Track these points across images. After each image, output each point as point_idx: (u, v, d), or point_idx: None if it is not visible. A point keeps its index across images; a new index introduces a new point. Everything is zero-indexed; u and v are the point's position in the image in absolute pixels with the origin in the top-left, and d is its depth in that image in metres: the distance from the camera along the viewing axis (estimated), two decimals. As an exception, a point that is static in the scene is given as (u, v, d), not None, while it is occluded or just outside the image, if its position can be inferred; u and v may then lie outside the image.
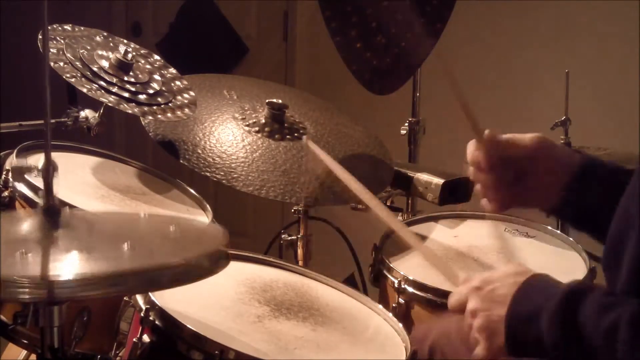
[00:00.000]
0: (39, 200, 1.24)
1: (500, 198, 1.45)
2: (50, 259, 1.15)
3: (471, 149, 1.44)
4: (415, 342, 1.53)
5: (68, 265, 1.13)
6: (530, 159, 1.42)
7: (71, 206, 1.70)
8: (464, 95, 1.41)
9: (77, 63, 1.88)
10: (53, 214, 1.24)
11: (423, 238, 2.14)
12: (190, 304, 1.50)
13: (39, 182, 1.27)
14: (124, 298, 1.69)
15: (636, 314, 1.08)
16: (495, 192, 1.44)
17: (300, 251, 2.23)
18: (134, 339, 1.44)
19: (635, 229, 1.15)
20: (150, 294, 1.45)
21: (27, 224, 1.26)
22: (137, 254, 1.18)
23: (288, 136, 2.06)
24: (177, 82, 2.07)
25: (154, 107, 1.93)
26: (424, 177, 2.22)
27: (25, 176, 1.40)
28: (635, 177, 1.22)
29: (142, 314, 1.44)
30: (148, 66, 2.05)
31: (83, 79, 1.86)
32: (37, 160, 1.88)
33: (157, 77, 2.02)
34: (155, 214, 1.57)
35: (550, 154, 1.42)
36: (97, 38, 2.03)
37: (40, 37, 1.78)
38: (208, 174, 1.90)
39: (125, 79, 1.94)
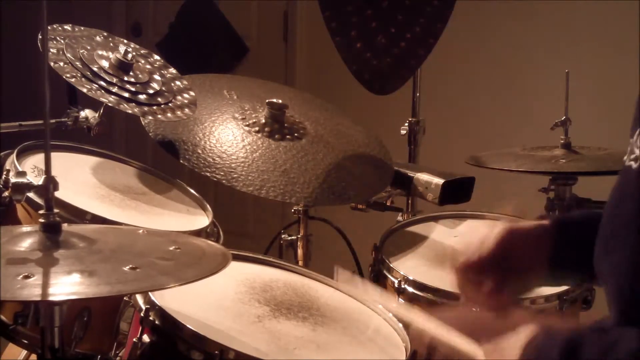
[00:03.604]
0: (39, 200, 1.23)
1: (496, 301, 1.43)
2: (51, 282, 1.15)
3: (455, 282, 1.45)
4: (413, 340, 1.53)
5: (69, 289, 1.14)
6: (503, 256, 1.40)
7: (72, 206, 1.72)
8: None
9: (77, 63, 1.87)
10: (53, 231, 1.24)
11: (423, 238, 2.14)
12: (190, 304, 1.49)
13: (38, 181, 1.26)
14: (124, 298, 1.70)
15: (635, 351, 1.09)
16: (489, 298, 1.43)
17: (300, 251, 2.22)
18: (134, 339, 1.44)
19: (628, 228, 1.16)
20: (150, 294, 1.45)
21: (26, 242, 1.24)
22: (139, 275, 1.18)
23: (288, 136, 2.06)
24: (177, 82, 2.06)
25: (154, 107, 1.93)
26: (424, 177, 2.22)
27: (27, 194, 1.39)
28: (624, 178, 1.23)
29: (142, 314, 1.44)
30: (148, 66, 2.05)
31: (83, 79, 1.85)
32: (38, 160, 1.91)
33: (157, 77, 2.02)
34: (154, 231, 1.57)
35: (520, 238, 1.41)
36: (97, 38, 2.02)
37: (40, 37, 1.79)
38: (208, 174, 1.90)
39: (125, 79, 1.93)
